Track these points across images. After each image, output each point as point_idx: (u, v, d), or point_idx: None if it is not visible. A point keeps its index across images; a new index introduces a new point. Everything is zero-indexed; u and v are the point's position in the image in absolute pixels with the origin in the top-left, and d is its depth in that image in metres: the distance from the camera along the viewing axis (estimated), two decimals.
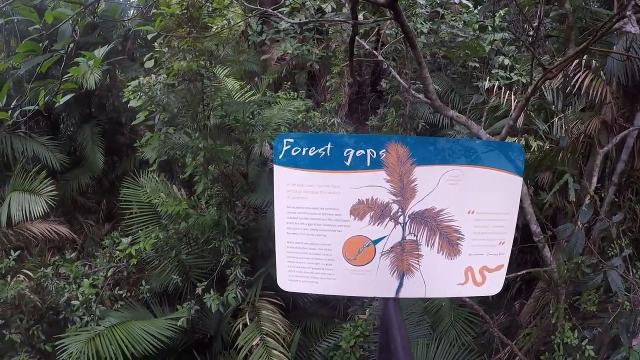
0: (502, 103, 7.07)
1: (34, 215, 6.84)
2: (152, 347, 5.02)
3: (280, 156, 1.71)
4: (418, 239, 1.73)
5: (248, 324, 5.51)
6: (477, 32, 7.54)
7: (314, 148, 1.69)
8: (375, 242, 1.73)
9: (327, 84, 7.87)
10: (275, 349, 5.29)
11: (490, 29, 7.47)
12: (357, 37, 3.99)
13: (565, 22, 6.61)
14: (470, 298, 4.78)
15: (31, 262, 6.56)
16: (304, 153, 1.70)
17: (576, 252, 4.33)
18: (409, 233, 1.73)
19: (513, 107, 6.88)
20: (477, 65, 8.21)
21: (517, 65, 7.67)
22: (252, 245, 6.13)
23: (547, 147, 6.41)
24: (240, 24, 5.97)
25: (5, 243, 6.81)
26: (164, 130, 5.78)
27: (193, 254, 6.20)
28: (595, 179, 5.11)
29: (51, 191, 7.17)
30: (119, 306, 5.63)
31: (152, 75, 5.82)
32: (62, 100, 3.74)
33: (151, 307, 5.93)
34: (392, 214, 1.70)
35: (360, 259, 1.74)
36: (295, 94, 7.16)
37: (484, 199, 1.76)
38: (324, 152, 1.69)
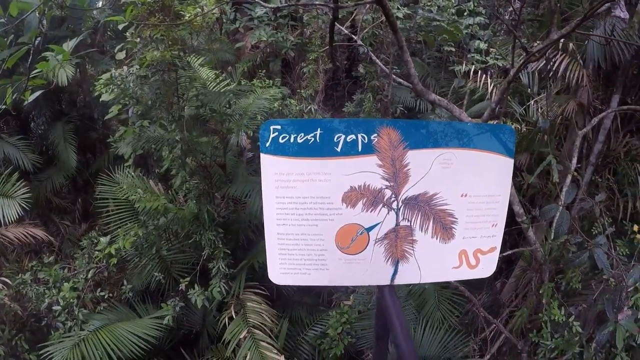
0: (479, 87, 7.10)
1: (8, 220, 6.58)
2: (138, 348, 4.92)
3: (267, 144, 1.63)
4: (412, 224, 1.70)
5: (234, 317, 5.44)
6: (454, 16, 7.54)
7: (302, 134, 1.62)
8: (369, 229, 1.69)
9: (304, 69, 7.77)
10: (264, 341, 5.24)
11: (467, 12, 7.48)
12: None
13: (540, 7, 6.67)
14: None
15: (9, 269, 6.33)
16: (292, 140, 1.63)
17: (562, 232, 4.40)
18: (403, 219, 1.69)
19: (489, 91, 6.92)
20: (453, 49, 8.22)
21: (492, 50, 7.71)
22: (233, 237, 6.05)
23: (524, 129, 6.47)
24: (214, 11, 5.82)
25: None
26: (138, 123, 5.61)
27: (174, 250, 6.09)
28: (575, 160, 5.18)
29: (24, 193, 6.89)
30: (101, 308, 5.47)
31: (124, 67, 5.64)
32: (31, 98, 3.60)
33: (134, 307, 5.81)
34: (385, 200, 1.66)
35: (353, 248, 1.70)
36: (270, 82, 7.05)
37: (476, 182, 1.74)
38: (313, 138, 1.62)
